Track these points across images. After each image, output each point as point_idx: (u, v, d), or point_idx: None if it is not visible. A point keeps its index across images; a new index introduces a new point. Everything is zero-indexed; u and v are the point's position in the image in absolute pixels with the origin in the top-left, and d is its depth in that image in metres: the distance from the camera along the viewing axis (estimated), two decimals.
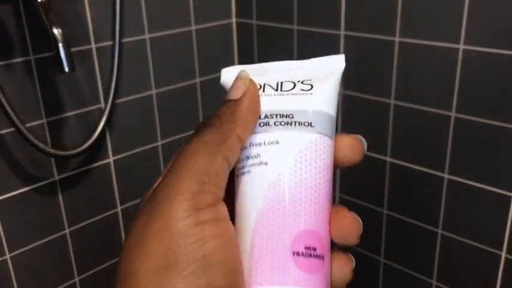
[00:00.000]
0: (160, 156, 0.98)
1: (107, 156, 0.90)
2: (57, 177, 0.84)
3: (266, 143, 0.27)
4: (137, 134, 0.93)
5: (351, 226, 0.28)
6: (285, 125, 0.27)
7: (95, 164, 0.89)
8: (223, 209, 0.25)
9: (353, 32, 0.84)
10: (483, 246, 0.78)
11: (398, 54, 0.79)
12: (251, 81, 0.28)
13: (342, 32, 0.85)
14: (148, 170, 0.96)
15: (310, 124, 0.27)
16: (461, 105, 0.74)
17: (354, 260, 0.28)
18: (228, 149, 0.25)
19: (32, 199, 0.81)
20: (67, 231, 0.87)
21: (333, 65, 0.30)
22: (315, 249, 0.26)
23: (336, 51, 0.86)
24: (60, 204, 0.85)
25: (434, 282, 0.87)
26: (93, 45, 0.83)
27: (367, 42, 0.83)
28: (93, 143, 0.83)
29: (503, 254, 0.76)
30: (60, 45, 0.66)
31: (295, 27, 0.91)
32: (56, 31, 0.66)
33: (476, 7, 0.69)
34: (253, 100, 0.28)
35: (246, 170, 0.27)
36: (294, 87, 0.29)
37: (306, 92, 0.28)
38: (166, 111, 0.96)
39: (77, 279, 0.91)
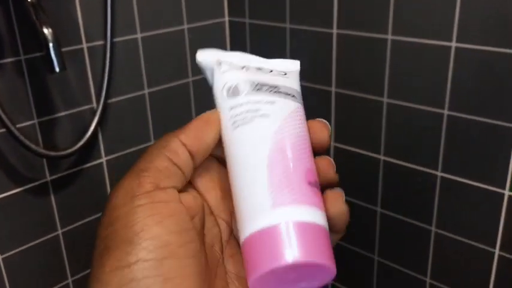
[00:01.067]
0: None
1: (99, 157, 0.89)
2: (49, 178, 0.83)
3: (264, 101, 0.32)
4: (130, 134, 0.93)
5: (327, 164, 0.34)
6: (276, 93, 0.33)
7: (88, 165, 0.88)
8: (163, 194, 0.28)
9: (345, 30, 0.84)
10: (477, 244, 0.79)
11: (391, 52, 0.79)
12: (212, 110, 0.33)
13: (335, 31, 0.85)
14: None
15: (293, 96, 0.34)
16: (454, 103, 0.74)
17: (342, 191, 0.33)
18: (169, 151, 0.30)
19: (23, 200, 0.81)
20: (60, 232, 0.87)
21: (293, 66, 0.37)
22: (317, 184, 0.31)
23: (328, 50, 0.86)
24: (52, 205, 0.85)
25: (428, 280, 0.87)
26: (84, 45, 0.82)
27: (359, 40, 0.83)
28: (85, 143, 0.82)
29: (497, 251, 0.76)
30: (51, 45, 0.66)
31: (287, 25, 0.91)
32: (46, 31, 0.66)
33: (469, 4, 0.69)
34: (205, 119, 0.32)
35: (248, 120, 0.32)
36: (272, 71, 0.35)
37: (283, 75, 0.35)
38: (159, 110, 0.96)
39: (70, 280, 0.90)
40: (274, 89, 0.33)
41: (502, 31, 0.67)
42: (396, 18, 0.77)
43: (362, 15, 0.81)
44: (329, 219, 0.31)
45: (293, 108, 0.33)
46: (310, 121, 0.34)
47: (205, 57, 0.35)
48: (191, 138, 0.31)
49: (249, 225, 0.29)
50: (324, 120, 0.34)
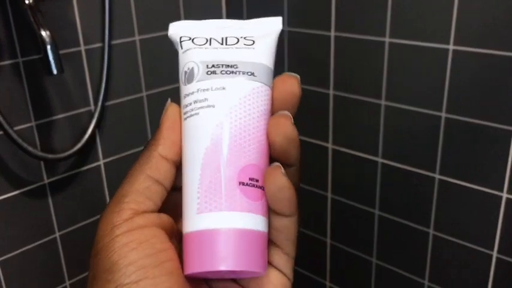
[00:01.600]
0: None
1: (97, 159, 0.89)
2: (46, 181, 0.83)
3: (213, 88, 0.31)
4: (128, 137, 0.93)
5: (278, 119, 0.31)
6: (231, 74, 0.31)
7: (85, 167, 0.88)
8: (141, 220, 0.29)
9: (343, 32, 0.84)
10: (474, 246, 0.79)
11: (389, 55, 0.79)
12: (170, 104, 0.32)
13: (333, 33, 0.85)
14: None
15: (252, 74, 0.31)
16: (452, 106, 0.75)
17: (279, 164, 0.30)
18: (150, 168, 0.30)
19: (21, 203, 0.81)
20: (57, 234, 0.87)
21: (272, 26, 0.34)
22: (257, 180, 0.30)
23: (326, 52, 0.86)
24: (50, 208, 0.85)
25: (426, 282, 0.87)
26: (82, 47, 0.82)
27: (357, 43, 0.83)
28: (83, 146, 0.82)
29: (495, 254, 0.76)
30: (48, 47, 0.66)
31: (286, 28, 0.91)
32: (44, 33, 0.66)
33: (466, 7, 0.69)
34: (172, 119, 0.32)
35: (194, 112, 0.31)
36: (238, 42, 0.33)
37: (248, 46, 0.32)
38: (157, 113, 0.95)
39: (67, 283, 0.90)
40: (231, 69, 0.31)
41: (498, 34, 0.67)
42: (394, 21, 0.77)
43: (360, 17, 0.81)
44: (269, 197, 0.30)
45: (246, 92, 0.30)
46: (277, 78, 0.32)
47: (174, 31, 0.33)
48: (169, 147, 0.31)
49: (184, 224, 0.30)
50: (293, 74, 0.32)
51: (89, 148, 0.87)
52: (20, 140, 0.72)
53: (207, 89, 0.31)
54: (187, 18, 0.95)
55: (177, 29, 0.33)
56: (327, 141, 0.93)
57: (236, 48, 0.32)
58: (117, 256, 0.28)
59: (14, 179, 0.79)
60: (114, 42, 0.86)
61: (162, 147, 0.31)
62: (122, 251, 0.28)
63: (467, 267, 0.81)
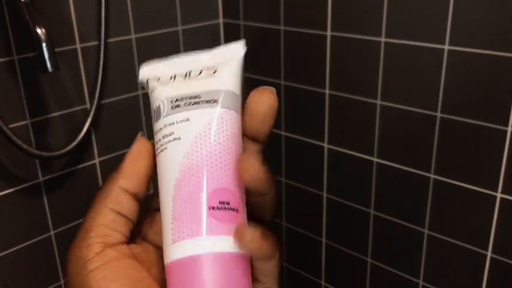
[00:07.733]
0: None
1: (92, 158, 0.89)
2: (41, 179, 0.83)
3: (178, 121, 0.31)
4: (123, 135, 0.93)
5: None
6: (194, 105, 0.31)
7: (80, 166, 0.88)
8: (113, 253, 0.30)
9: (339, 32, 0.84)
10: (469, 246, 0.79)
11: (384, 55, 0.80)
12: (138, 138, 0.33)
13: (329, 33, 0.85)
14: None
15: (215, 101, 0.31)
16: (447, 106, 0.75)
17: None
18: (111, 201, 0.30)
19: (16, 201, 0.80)
20: (52, 233, 0.86)
21: (235, 52, 0.34)
22: (228, 203, 0.30)
23: (322, 52, 0.86)
24: (45, 206, 0.84)
25: (421, 282, 0.87)
26: (78, 45, 0.82)
27: (353, 42, 0.83)
28: (78, 144, 0.82)
29: (489, 254, 0.77)
30: (44, 44, 0.66)
31: (282, 27, 0.91)
32: (40, 31, 0.66)
33: (461, 8, 0.69)
34: (136, 152, 0.32)
35: (163, 147, 0.31)
36: (200, 73, 0.33)
37: (211, 75, 0.33)
38: None
39: (62, 281, 0.90)
40: (194, 100, 0.31)
41: (494, 34, 0.68)
42: (389, 21, 0.77)
43: (356, 17, 0.82)
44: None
45: (210, 119, 0.31)
46: (253, 92, 0.32)
47: (143, 75, 0.34)
48: (130, 179, 0.31)
49: (163, 256, 0.30)
50: (267, 87, 0.32)
51: (84, 146, 0.87)
52: (15, 138, 0.72)
53: (173, 123, 0.31)
54: (184, 18, 0.95)
55: (145, 72, 0.34)
56: (323, 141, 0.93)
57: (199, 79, 0.33)
58: None
59: (9, 177, 0.79)
60: (110, 40, 0.86)
61: (123, 181, 0.31)
62: (99, 284, 0.28)
63: (461, 266, 0.81)
